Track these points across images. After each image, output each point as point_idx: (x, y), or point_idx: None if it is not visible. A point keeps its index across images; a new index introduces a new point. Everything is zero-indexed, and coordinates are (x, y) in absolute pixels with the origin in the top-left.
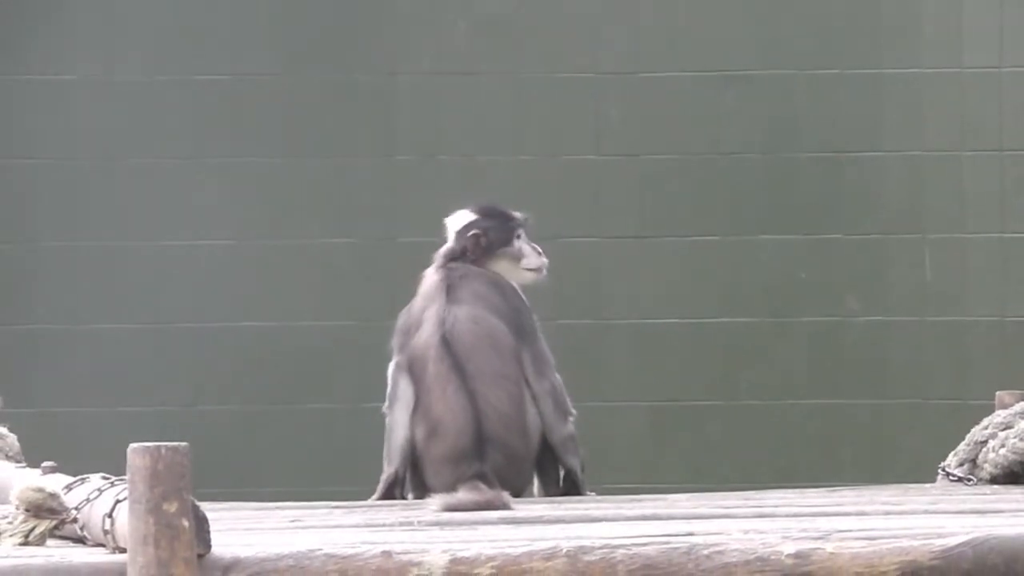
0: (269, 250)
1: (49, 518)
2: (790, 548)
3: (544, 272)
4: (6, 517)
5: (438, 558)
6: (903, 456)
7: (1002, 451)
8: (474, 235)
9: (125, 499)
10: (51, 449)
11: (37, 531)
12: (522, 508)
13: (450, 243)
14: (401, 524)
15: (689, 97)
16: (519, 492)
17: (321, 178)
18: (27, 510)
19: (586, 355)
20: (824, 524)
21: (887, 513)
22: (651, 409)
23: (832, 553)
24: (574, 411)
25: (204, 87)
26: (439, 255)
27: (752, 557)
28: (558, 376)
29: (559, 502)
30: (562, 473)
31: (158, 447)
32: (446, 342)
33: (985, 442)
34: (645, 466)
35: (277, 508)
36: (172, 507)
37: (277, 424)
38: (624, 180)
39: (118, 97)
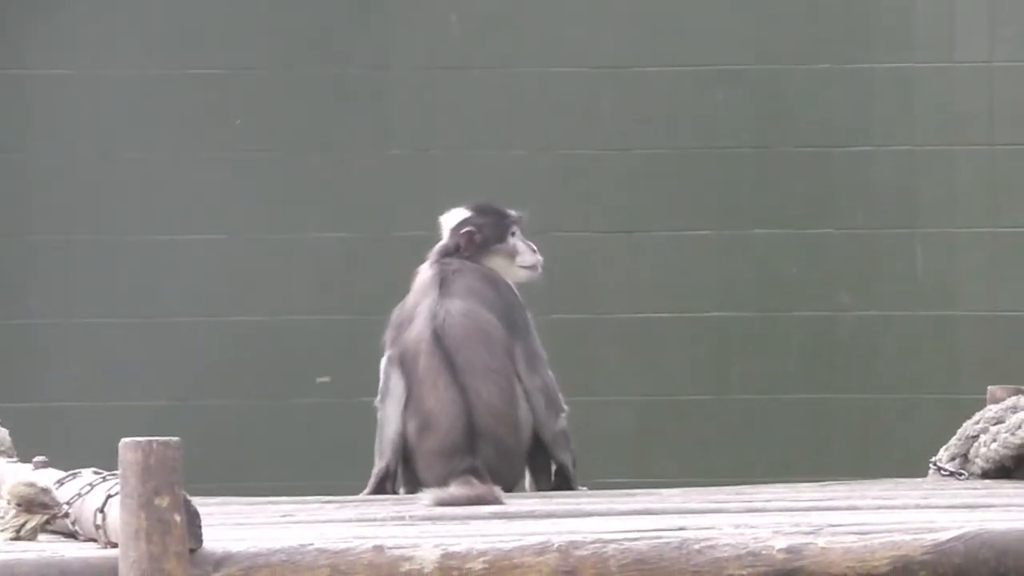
0: (262, 244)
1: (41, 513)
2: (782, 543)
3: (539, 270)
4: None
5: (430, 552)
6: (895, 450)
7: (993, 446)
8: (468, 232)
9: (117, 494)
10: (43, 444)
11: (28, 526)
12: (514, 503)
13: (444, 240)
14: (393, 519)
15: (681, 92)
16: (511, 487)
17: (314, 172)
18: (18, 505)
19: (578, 350)
20: (816, 519)
21: (879, 508)
22: (643, 404)
23: (824, 548)
24: (566, 407)
25: (198, 82)
26: (433, 252)
27: (744, 552)
28: (551, 372)
29: (551, 497)
30: (554, 468)
31: (150, 442)
32: (438, 336)
33: (976, 437)
34: (637, 461)
35: (269, 503)
36: (164, 502)
37: (269, 419)
38: (616, 175)
39: (112, 92)
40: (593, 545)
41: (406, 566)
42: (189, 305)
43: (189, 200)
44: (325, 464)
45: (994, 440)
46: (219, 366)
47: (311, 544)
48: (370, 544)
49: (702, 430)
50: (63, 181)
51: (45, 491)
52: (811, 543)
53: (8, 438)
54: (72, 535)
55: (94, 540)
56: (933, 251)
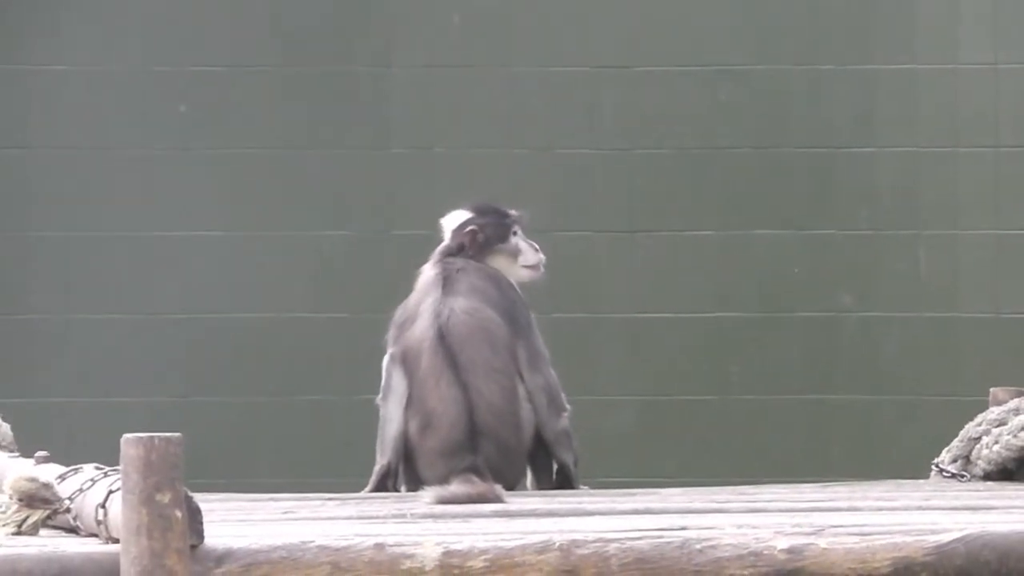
0: (263, 242)
1: (42, 508)
2: (783, 543)
3: (541, 269)
4: None
5: (431, 550)
6: (896, 452)
7: (996, 447)
8: (471, 231)
9: (118, 489)
10: (44, 439)
11: (30, 521)
12: (515, 501)
13: (446, 241)
14: (394, 516)
15: (683, 92)
16: (512, 485)
17: (315, 170)
18: (20, 500)
19: (579, 349)
20: (817, 519)
21: (880, 509)
22: (644, 403)
23: (825, 548)
24: (568, 406)
25: (198, 79)
26: (436, 252)
27: (745, 552)
28: (553, 372)
29: (552, 495)
30: (555, 467)
31: (151, 438)
32: (441, 334)
33: (979, 438)
34: (638, 460)
35: (270, 499)
36: (165, 498)
37: (270, 416)
38: (617, 174)
39: (112, 88)
40: (594, 544)
41: (407, 564)
42: (191, 302)
43: (190, 197)
44: (326, 461)
45: (996, 442)
46: (221, 363)
47: (312, 541)
48: (371, 542)
49: (703, 430)
50: (63, 177)
51: (47, 486)
52: (813, 544)
53: (10, 433)
54: (73, 530)
55: (95, 535)
56: (936, 252)
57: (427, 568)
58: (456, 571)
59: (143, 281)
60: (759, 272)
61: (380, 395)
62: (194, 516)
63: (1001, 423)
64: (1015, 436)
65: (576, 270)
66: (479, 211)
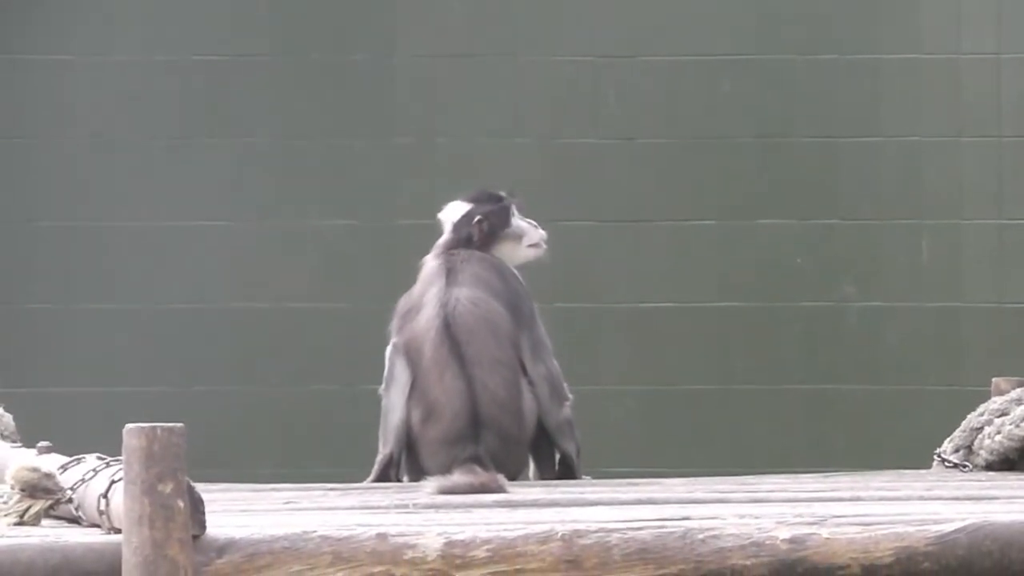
0: (266, 232)
1: (44, 498)
2: (785, 533)
3: (544, 246)
4: (1, 497)
5: (433, 541)
6: (899, 442)
7: (998, 438)
8: (478, 221)
9: (120, 479)
10: (47, 429)
11: (32, 511)
12: (518, 491)
13: (448, 234)
14: (396, 506)
15: (686, 81)
16: (514, 475)
17: (319, 160)
18: (22, 490)
19: (582, 339)
20: (820, 509)
21: (882, 499)
22: (646, 393)
23: (827, 538)
24: (570, 396)
25: (201, 68)
26: (437, 245)
27: (747, 542)
28: (555, 362)
29: (554, 486)
30: (558, 457)
31: (154, 428)
32: (447, 324)
33: (981, 428)
34: (640, 450)
35: (272, 490)
36: (167, 488)
37: (273, 406)
38: (621, 164)
39: (114, 77)
40: (596, 534)
41: (409, 554)
42: (193, 292)
43: (192, 187)
44: (329, 451)
45: (998, 432)
46: (223, 353)
47: (314, 531)
48: (373, 532)
49: (705, 420)
50: (65, 167)
51: (49, 476)
52: (815, 533)
53: (12, 423)
54: (76, 521)
55: (97, 526)
56: (939, 242)
57: (429, 558)
58: (458, 561)
59: (145, 271)
60: (762, 262)
61: (383, 385)
62: (196, 506)
63: (1003, 413)
64: (1017, 426)
65: (579, 260)
66: (478, 200)
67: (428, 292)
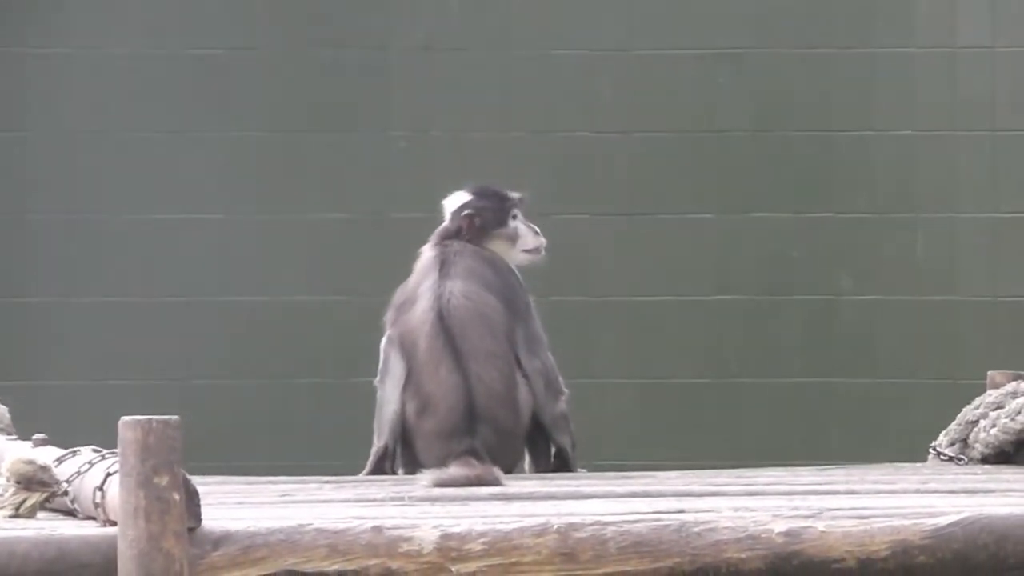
0: (261, 225)
1: (40, 490)
2: (781, 526)
3: (542, 252)
4: None
5: (429, 533)
6: (894, 435)
7: (993, 431)
8: (468, 215)
9: (116, 472)
10: (42, 421)
11: (28, 503)
12: (513, 484)
13: (446, 223)
14: (392, 499)
15: (682, 75)
16: (510, 468)
17: (313, 153)
18: (18, 482)
19: (577, 332)
20: (815, 503)
21: (878, 492)
22: (642, 386)
23: (823, 532)
24: (566, 390)
25: (197, 61)
26: (435, 234)
27: (743, 535)
28: (551, 356)
29: (550, 479)
30: (553, 450)
31: (149, 420)
32: (441, 317)
33: (976, 422)
34: (636, 443)
35: (268, 482)
36: (163, 480)
37: (268, 398)
38: (616, 157)
39: (111, 71)
40: (592, 527)
41: (405, 547)
42: (189, 285)
43: (188, 180)
44: (324, 444)
45: (994, 425)
46: (218, 346)
47: (310, 524)
48: (369, 524)
49: (701, 413)
50: (62, 160)
51: (44, 469)
52: (810, 527)
53: (8, 415)
54: (71, 513)
55: (93, 518)
56: (933, 236)
57: (425, 551)
58: (454, 554)
59: (140, 264)
60: (757, 255)
61: (378, 377)
62: (192, 499)
63: (999, 406)
64: (1012, 419)
65: (574, 253)
66: (479, 195)
67: (422, 284)
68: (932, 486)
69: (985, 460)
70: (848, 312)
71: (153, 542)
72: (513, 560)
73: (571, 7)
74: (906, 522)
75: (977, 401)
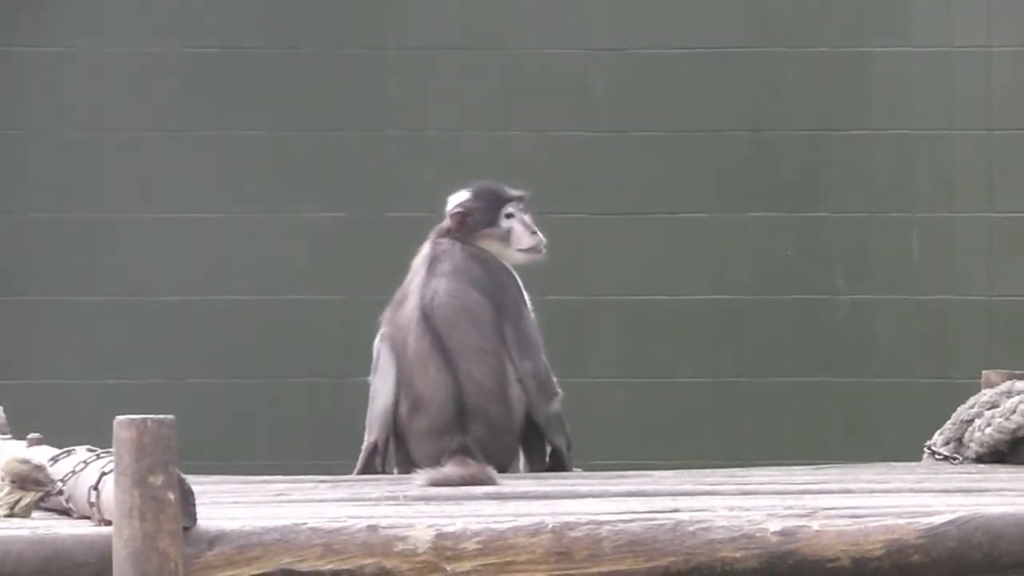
0: (257, 223)
1: (35, 490)
2: (776, 525)
3: (541, 251)
4: None
5: (423, 533)
6: (889, 434)
7: (988, 430)
8: (459, 214)
9: (111, 471)
10: (37, 421)
11: (23, 503)
12: (508, 484)
13: (445, 220)
14: (387, 498)
15: (677, 74)
16: (504, 467)
17: (310, 152)
18: (13, 482)
19: (573, 331)
20: (810, 502)
21: (873, 491)
22: (637, 386)
23: (818, 531)
24: (560, 391)
25: (193, 60)
26: (434, 231)
27: (738, 534)
28: (544, 358)
29: (545, 478)
30: (548, 450)
31: (144, 419)
32: (426, 315)
33: (971, 421)
34: (631, 442)
35: (263, 482)
36: (158, 480)
37: (263, 398)
38: (611, 157)
39: (107, 69)
40: (587, 527)
41: (400, 546)
42: (184, 283)
43: (184, 179)
44: (320, 443)
45: (988, 424)
46: (214, 345)
47: (305, 523)
48: (364, 524)
49: (696, 412)
50: (58, 159)
51: (39, 468)
52: (805, 526)
53: (2, 415)
54: (66, 512)
55: (88, 518)
56: (929, 235)
57: (420, 550)
58: (449, 553)
59: (136, 263)
60: (753, 255)
61: (371, 374)
62: (187, 498)
63: (994, 405)
64: (1007, 419)
65: (570, 253)
66: (475, 194)
67: (412, 282)
68: (927, 485)
69: (980, 459)
70: (843, 311)
71: (148, 541)
72: (508, 559)
73: (566, 6)
74: (901, 521)
75: (972, 400)
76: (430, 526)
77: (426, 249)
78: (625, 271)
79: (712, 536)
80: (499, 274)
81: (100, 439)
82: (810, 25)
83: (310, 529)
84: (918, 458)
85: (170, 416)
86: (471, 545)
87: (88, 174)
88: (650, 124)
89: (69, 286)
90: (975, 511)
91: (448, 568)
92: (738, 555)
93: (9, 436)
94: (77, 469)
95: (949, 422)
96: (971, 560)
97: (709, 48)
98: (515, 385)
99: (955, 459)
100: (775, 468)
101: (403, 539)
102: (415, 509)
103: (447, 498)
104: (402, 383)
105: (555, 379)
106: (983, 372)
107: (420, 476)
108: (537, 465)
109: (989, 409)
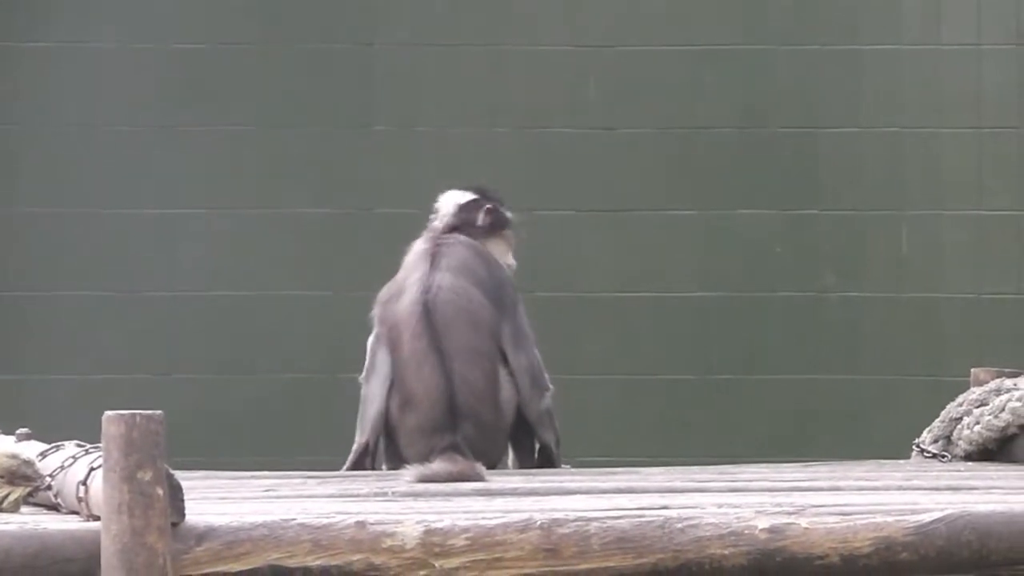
0: (245, 220)
1: (23, 485)
2: (764, 523)
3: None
4: None
5: (412, 528)
6: (878, 432)
7: (976, 428)
8: (491, 208)
9: (99, 467)
10: (25, 416)
11: (11, 498)
12: (497, 480)
13: (448, 217)
14: (375, 494)
15: (667, 71)
16: (493, 464)
17: (298, 148)
18: (1, 477)
19: (561, 328)
20: (799, 499)
21: (861, 489)
22: (626, 382)
23: (806, 528)
24: (551, 386)
25: (181, 56)
26: (433, 228)
27: (726, 531)
28: (537, 352)
29: (534, 474)
30: (537, 446)
31: (133, 415)
32: (427, 310)
33: (960, 419)
34: (620, 439)
35: (251, 477)
36: (146, 475)
37: (252, 393)
38: (601, 153)
39: (95, 65)
40: (575, 523)
41: (388, 542)
42: (173, 279)
43: (173, 174)
44: (308, 439)
45: (977, 422)
46: (203, 341)
47: (293, 519)
48: (352, 520)
49: (685, 409)
50: (45, 154)
51: (28, 463)
52: (794, 523)
53: None
54: (55, 508)
55: (76, 513)
56: (918, 233)
57: (408, 546)
58: (437, 549)
59: (126, 258)
60: (742, 252)
61: (363, 374)
62: (175, 494)
63: (982, 404)
64: (996, 417)
65: (559, 249)
66: (486, 194)
67: (411, 276)
68: (916, 483)
69: (968, 457)
70: (833, 309)
71: (136, 537)
72: (496, 555)
73: (557, 3)
74: (889, 519)
75: (961, 398)
76: (419, 522)
77: (424, 245)
78: (614, 268)
79: (701, 533)
80: (498, 271)
81: (89, 434)
82: (800, 23)
83: (299, 525)
84: (907, 456)
85: (159, 412)
86: (460, 541)
87: (74, 170)
88: (639, 121)
89: (57, 281)
90: (964, 509)
91: (436, 564)
92: (727, 552)
93: None
94: (66, 464)
95: (938, 420)
96: (960, 558)
97: (699, 46)
98: (507, 386)
99: (944, 457)
100: (764, 465)
101: (391, 535)
102: (404, 505)
103: (436, 494)
104: (395, 379)
105: (547, 375)
106: (972, 370)
107: (409, 472)
108: (526, 461)
109: (978, 407)
